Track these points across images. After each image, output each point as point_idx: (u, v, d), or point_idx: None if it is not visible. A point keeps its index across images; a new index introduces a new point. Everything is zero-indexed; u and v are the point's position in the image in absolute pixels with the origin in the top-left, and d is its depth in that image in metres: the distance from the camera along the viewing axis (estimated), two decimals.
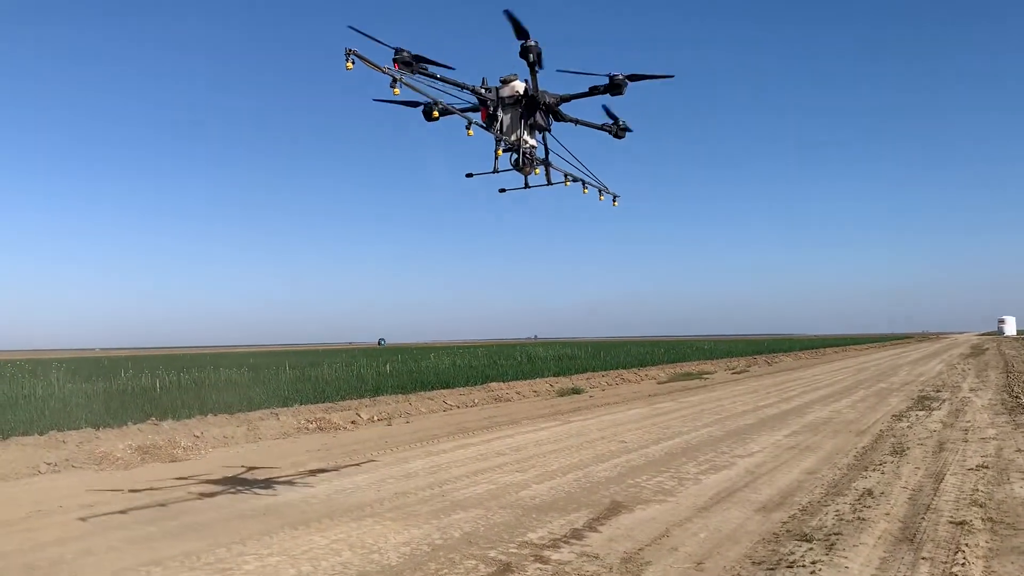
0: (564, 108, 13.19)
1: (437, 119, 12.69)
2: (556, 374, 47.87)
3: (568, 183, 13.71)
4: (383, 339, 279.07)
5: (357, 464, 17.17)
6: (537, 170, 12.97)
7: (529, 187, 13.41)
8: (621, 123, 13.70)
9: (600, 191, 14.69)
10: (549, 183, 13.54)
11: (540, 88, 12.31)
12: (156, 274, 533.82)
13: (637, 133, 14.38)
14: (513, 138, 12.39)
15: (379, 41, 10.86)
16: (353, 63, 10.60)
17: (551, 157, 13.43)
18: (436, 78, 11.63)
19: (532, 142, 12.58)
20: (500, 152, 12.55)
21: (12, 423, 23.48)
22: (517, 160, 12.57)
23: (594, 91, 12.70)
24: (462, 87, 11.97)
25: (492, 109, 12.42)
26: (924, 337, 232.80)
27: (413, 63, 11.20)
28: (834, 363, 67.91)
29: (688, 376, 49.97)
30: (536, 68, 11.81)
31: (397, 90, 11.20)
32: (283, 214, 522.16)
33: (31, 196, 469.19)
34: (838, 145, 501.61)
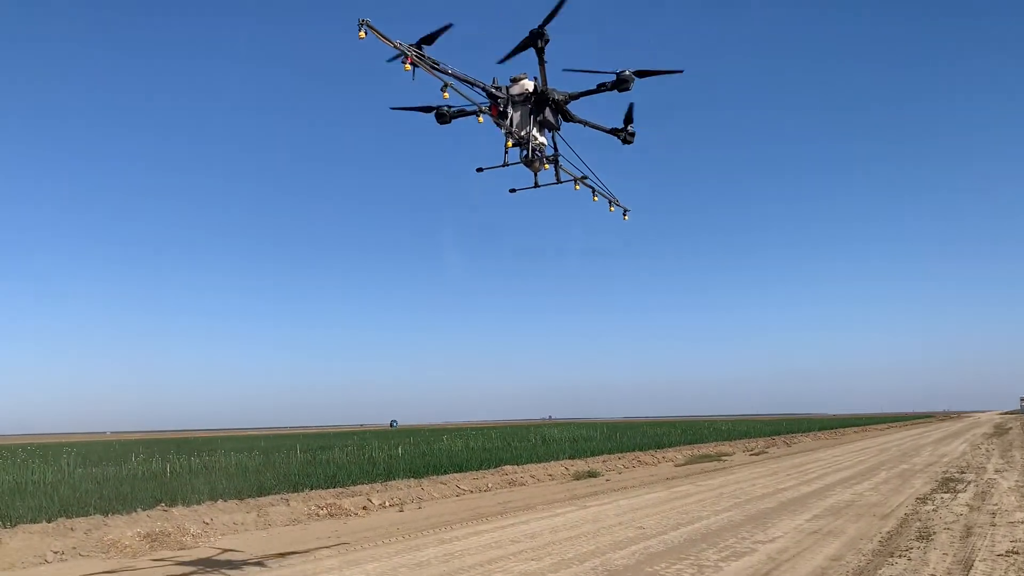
0: (574, 108, 13.28)
1: (449, 122, 12.93)
2: (571, 456, 47.13)
3: (577, 187, 13.77)
4: (395, 421, 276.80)
5: (368, 552, 16.78)
6: (547, 165, 13.05)
7: (539, 186, 13.49)
8: (631, 129, 13.59)
9: (610, 202, 14.72)
10: (559, 181, 13.57)
11: (549, 86, 12.40)
12: (167, 356, 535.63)
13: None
14: (523, 133, 12.47)
15: (390, 41, 11.05)
16: (365, 33, 10.83)
17: (562, 162, 13.57)
18: (447, 73, 11.87)
19: (542, 139, 12.68)
20: (510, 145, 12.62)
21: (21, 510, 23.19)
22: (526, 155, 12.64)
23: (602, 88, 12.75)
24: (473, 84, 12.17)
25: (503, 107, 12.52)
26: (945, 416, 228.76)
27: (425, 58, 11.36)
28: (855, 443, 66.64)
29: (706, 458, 49.08)
30: (544, 59, 11.81)
31: (408, 66, 11.42)
32: (294, 294, 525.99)
33: (35, 279, 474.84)
34: (858, 221, 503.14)
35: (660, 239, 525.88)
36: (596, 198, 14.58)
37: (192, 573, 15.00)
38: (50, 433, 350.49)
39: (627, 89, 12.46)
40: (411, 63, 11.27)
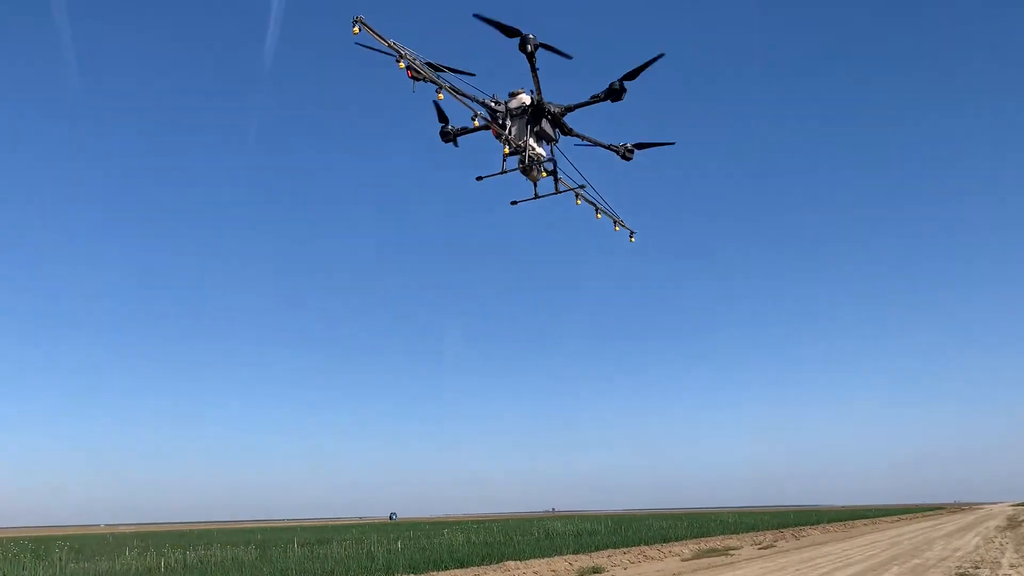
0: (571, 122, 13.52)
1: (454, 140, 13.29)
2: (575, 551, 46.10)
3: (579, 201, 14.09)
4: (394, 513, 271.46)
5: None
6: (544, 173, 13.39)
7: (539, 197, 13.79)
8: (630, 144, 13.75)
9: (615, 222, 14.76)
10: (557, 191, 13.79)
11: (546, 99, 12.65)
12: (161, 446, 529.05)
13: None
14: (520, 143, 12.78)
15: (387, 51, 11.36)
16: (359, 30, 11.32)
17: (563, 176, 13.78)
18: (447, 88, 12.48)
19: (539, 150, 12.99)
20: (507, 152, 12.91)
21: None
22: (523, 163, 13.01)
23: (595, 99, 13.11)
24: (472, 100, 12.73)
25: (501, 120, 12.87)
26: (956, 508, 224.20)
27: (425, 70, 12.04)
28: (865, 536, 65.12)
29: (713, 552, 47.93)
30: (536, 64, 11.87)
31: (402, 64, 11.89)
32: (290, 386, 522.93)
33: (31, 365, 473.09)
34: (861, 304, 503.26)
35: (662, 327, 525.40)
36: (599, 215, 14.43)
37: None
38: (43, 525, 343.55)
39: (619, 99, 13.06)
40: (410, 73, 11.75)
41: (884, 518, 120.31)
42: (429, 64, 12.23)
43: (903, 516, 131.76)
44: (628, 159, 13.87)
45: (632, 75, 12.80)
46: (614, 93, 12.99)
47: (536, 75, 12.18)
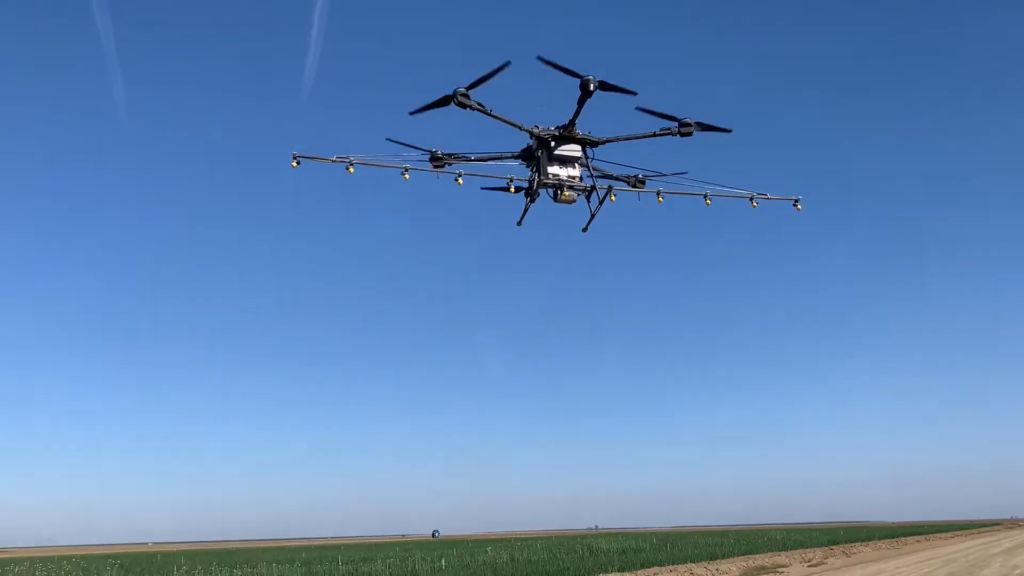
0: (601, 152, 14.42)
1: (441, 165, 13.95)
2: (621, 569, 45.60)
3: (613, 197, 14.21)
4: (437, 531, 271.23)
5: None
6: (575, 198, 13.87)
7: (588, 228, 14.48)
8: (682, 120, 13.71)
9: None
10: (598, 204, 14.05)
11: (581, 131, 13.22)
12: (208, 465, 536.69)
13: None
14: (552, 170, 13.38)
15: (415, 147, 12.56)
16: (298, 163, 13.42)
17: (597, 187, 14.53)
18: (470, 160, 13.14)
19: (566, 175, 13.29)
20: (537, 186, 13.71)
21: None
22: (555, 190, 13.70)
23: (665, 132, 14.01)
24: (500, 158, 13.41)
25: (535, 155, 13.57)
26: (1014, 524, 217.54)
27: (446, 158, 13.28)
28: (918, 554, 63.42)
29: (762, 570, 47.07)
30: (587, 98, 12.65)
31: (351, 169, 13.30)
32: (332, 403, 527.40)
33: (74, 384, 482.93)
34: (905, 321, 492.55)
35: (699, 343, 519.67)
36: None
37: None
38: (93, 544, 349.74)
39: (689, 134, 13.80)
40: (434, 165, 12.71)
41: (938, 534, 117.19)
42: (449, 154, 13.68)
43: (958, 532, 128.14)
44: (688, 135, 13.99)
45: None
46: (685, 128, 13.96)
47: (581, 109, 13.15)
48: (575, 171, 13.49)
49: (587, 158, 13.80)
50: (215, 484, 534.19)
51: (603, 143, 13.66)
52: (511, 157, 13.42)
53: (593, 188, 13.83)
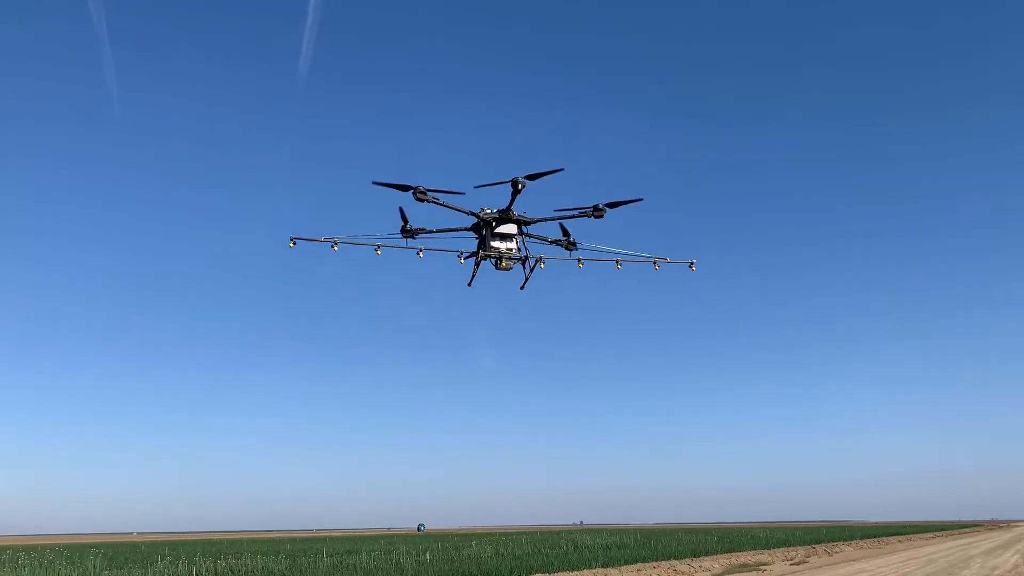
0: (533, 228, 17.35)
1: (413, 235, 16.87)
2: (604, 564, 45.86)
3: (543, 265, 17.30)
4: (422, 524, 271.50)
5: None
6: (510, 267, 16.82)
7: (524, 286, 17.43)
8: (572, 238, 17.45)
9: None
10: (530, 271, 16.88)
11: (516, 212, 16.06)
12: (193, 456, 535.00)
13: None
14: (495, 244, 16.29)
15: (400, 187, 14.95)
16: (295, 244, 16.24)
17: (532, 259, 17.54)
18: (433, 233, 16.46)
19: (505, 248, 16.24)
20: (482, 257, 16.64)
21: None
22: (496, 261, 16.52)
23: (582, 214, 17.17)
24: (456, 230, 16.33)
25: (479, 232, 16.39)
26: (994, 525, 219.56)
27: (415, 231, 16.00)
28: (899, 554, 64.00)
29: (744, 568, 47.42)
30: (517, 193, 15.71)
31: (335, 248, 16.15)
32: (319, 393, 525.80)
33: (57, 377, 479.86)
34: (896, 316, 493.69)
35: (693, 337, 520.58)
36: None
37: None
38: (77, 532, 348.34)
39: (600, 217, 17.05)
40: (417, 196, 16.29)
41: (919, 535, 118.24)
42: (418, 229, 16.70)
43: (938, 533, 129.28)
44: (600, 217, 17.17)
45: (613, 205, 16.45)
46: (596, 212, 16.81)
47: (514, 200, 16.22)
48: (512, 244, 16.17)
49: (522, 233, 16.48)
50: (199, 476, 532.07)
51: (534, 223, 16.48)
52: (465, 230, 16.23)
53: (526, 257, 16.52)
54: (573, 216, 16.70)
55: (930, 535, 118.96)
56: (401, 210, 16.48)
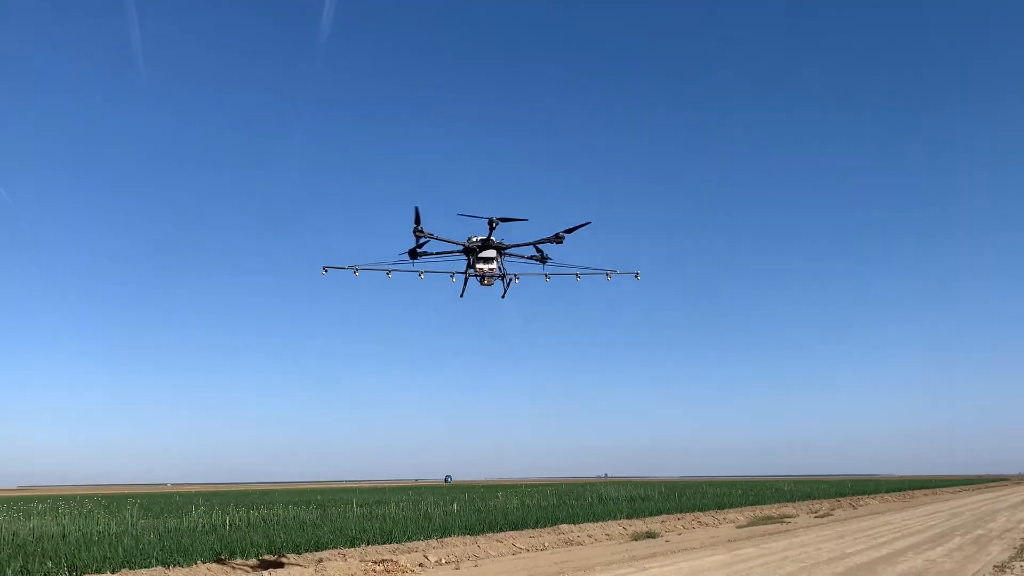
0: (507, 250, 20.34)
1: (417, 257, 19.79)
2: (629, 516, 46.33)
3: (517, 280, 20.08)
4: (449, 476, 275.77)
5: None
6: (491, 283, 19.67)
7: (504, 295, 20.26)
8: (544, 254, 20.23)
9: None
10: (507, 286, 20.06)
11: (495, 239, 19.48)
12: (226, 409, 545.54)
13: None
14: (479, 266, 19.46)
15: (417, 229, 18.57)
16: (326, 272, 19.87)
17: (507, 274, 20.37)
18: (432, 254, 19.58)
19: (487, 268, 19.44)
20: (470, 276, 19.73)
21: (86, 560, 23.67)
22: (480, 278, 19.48)
23: (541, 242, 20.08)
24: (451, 252, 19.48)
25: (468, 256, 19.61)
26: (1021, 479, 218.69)
27: (420, 252, 19.07)
28: (924, 507, 64.06)
29: (769, 520, 47.71)
30: (493, 231, 19.41)
31: (357, 274, 19.66)
32: (348, 349, 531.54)
33: (97, 331, 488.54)
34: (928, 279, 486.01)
35: (717, 292, 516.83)
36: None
37: None
38: (114, 484, 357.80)
39: (560, 243, 19.81)
40: (417, 234, 19.01)
41: (945, 489, 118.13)
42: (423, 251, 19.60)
43: (964, 487, 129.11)
44: (560, 242, 19.82)
45: (568, 231, 19.51)
46: (557, 239, 19.65)
47: (491, 233, 19.40)
48: (493, 265, 19.62)
49: (500, 256, 19.82)
50: (232, 429, 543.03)
51: (509, 247, 19.80)
52: (458, 252, 19.76)
53: (504, 275, 19.91)
54: (542, 242, 20.07)
55: (956, 489, 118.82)
56: (416, 211, 19.36)
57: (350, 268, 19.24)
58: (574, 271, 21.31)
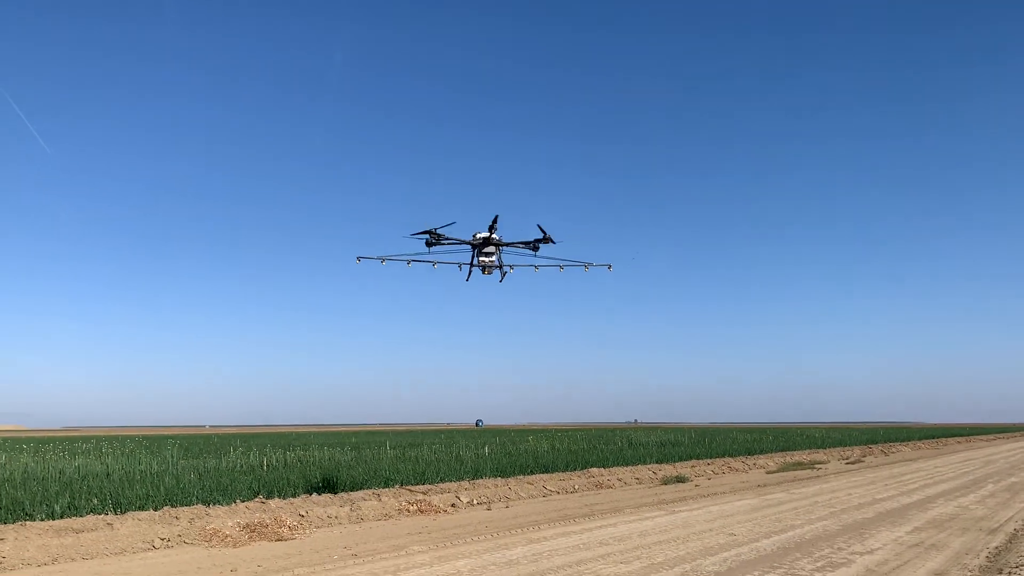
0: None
1: (432, 245, 21.57)
2: (659, 461, 46.65)
3: (512, 270, 22.33)
4: (480, 420, 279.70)
5: (457, 548, 17.00)
6: (491, 272, 21.88)
7: (502, 281, 22.42)
8: (537, 245, 21.89)
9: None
10: (503, 275, 22.23)
11: (495, 235, 21.47)
12: (263, 354, 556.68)
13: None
14: (481, 259, 21.68)
15: (425, 232, 20.63)
16: (360, 261, 22.10)
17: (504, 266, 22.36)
18: (448, 242, 21.26)
19: (487, 260, 21.72)
20: (473, 265, 21.93)
21: (130, 497, 24.42)
22: (482, 268, 21.77)
23: (526, 244, 21.98)
24: (462, 243, 21.37)
25: (476, 248, 21.69)
26: None
27: (437, 240, 21.02)
28: (957, 454, 63.72)
29: (799, 466, 47.79)
30: (493, 230, 21.43)
31: (384, 263, 21.95)
32: (378, 296, 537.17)
33: (143, 281, 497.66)
34: (958, 217, 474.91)
35: (748, 238, 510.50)
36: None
37: (293, 562, 15.50)
38: (154, 425, 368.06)
39: (542, 247, 21.75)
40: (428, 242, 21.26)
41: (980, 437, 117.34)
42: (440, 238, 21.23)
43: (999, 435, 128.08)
44: (536, 251, 21.83)
45: (546, 241, 21.41)
46: (545, 241, 21.40)
47: (492, 230, 21.41)
48: (493, 257, 21.78)
49: (499, 250, 21.91)
50: (269, 374, 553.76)
51: (506, 243, 21.78)
52: (468, 244, 21.69)
53: (501, 265, 21.92)
54: (527, 243, 21.98)
55: (991, 437, 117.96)
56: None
57: (378, 258, 22.01)
58: (556, 263, 23.27)
